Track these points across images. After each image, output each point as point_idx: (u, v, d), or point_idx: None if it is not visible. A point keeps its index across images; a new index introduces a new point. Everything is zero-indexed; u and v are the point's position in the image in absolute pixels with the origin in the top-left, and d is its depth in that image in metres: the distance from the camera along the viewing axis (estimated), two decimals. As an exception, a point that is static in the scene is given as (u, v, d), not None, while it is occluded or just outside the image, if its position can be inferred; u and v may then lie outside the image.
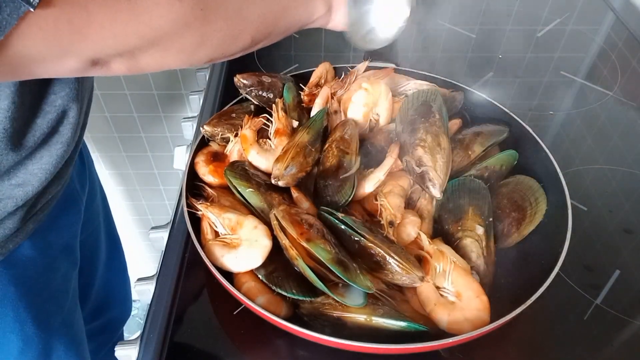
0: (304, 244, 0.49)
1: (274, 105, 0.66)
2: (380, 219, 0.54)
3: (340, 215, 0.52)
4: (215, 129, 0.65)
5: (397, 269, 0.49)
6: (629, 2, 1.07)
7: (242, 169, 0.59)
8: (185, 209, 0.57)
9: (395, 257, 0.49)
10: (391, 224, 0.53)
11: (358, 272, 0.48)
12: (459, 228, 0.55)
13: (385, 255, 0.49)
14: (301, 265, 0.49)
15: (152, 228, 0.68)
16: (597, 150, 0.76)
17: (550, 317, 0.56)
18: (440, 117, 0.59)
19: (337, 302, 0.50)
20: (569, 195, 0.58)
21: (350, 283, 0.47)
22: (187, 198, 0.58)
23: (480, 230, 0.55)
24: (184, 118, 0.85)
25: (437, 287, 0.51)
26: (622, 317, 0.57)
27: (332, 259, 0.48)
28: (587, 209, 0.67)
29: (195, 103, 0.91)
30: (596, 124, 0.81)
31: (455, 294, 0.50)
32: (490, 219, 0.56)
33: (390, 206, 0.55)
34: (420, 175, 0.56)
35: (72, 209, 0.72)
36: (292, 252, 0.49)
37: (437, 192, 0.56)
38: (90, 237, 0.86)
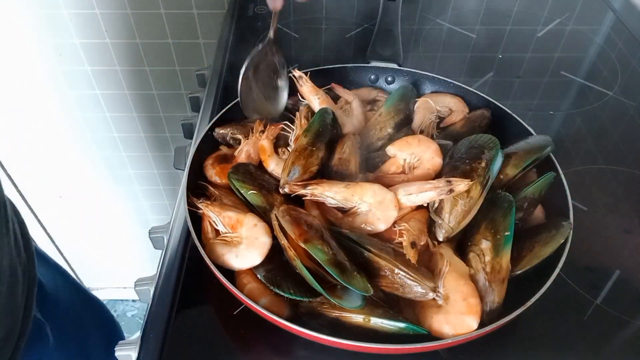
0: (302, 245, 0.49)
1: (297, 112, 0.67)
2: (402, 238, 0.52)
3: (344, 230, 0.52)
4: (226, 130, 0.66)
5: (407, 281, 0.49)
6: (629, 2, 1.07)
7: (246, 172, 0.60)
8: (186, 207, 0.57)
9: (403, 268, 0.49)
10: (413, 244, 0.52)
11: (356, 274, 0.48)
12: (469, 243, 0.54)
13: (394, 267, 0.49)
14: (299, 266, 0.49)
15: (152, 228, 0.68)
16: (597, 150, 0.76)
17: (550, 317, 0.56)
18: (485, 166, 0.56)
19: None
20: (569, 195, 0.58)
21: (347, 285, 0.47)
22: (188, 197, 0.58)
23: (484, 244, 0.53)
24: (184, 118, 0.85)
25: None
26: (622, 317, 0.57)
27: (329, 260, 0.48)
28: (587, 209, 0.67)
29: (195, 103, 0.91)
30: (596, 124, 0.81)
31: (444, 297, 0.49)
32: (507, 234, 0.53)
33: (414, 228, 0.53)
34: (434, 211, 0.56)
35: (37, 343, 0.68)
36: (291, 253, 0.49)
37: (440, 236, 0.55)
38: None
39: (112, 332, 0.98)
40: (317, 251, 0.48)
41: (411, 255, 0.50)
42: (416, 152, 0.60)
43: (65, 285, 0.84)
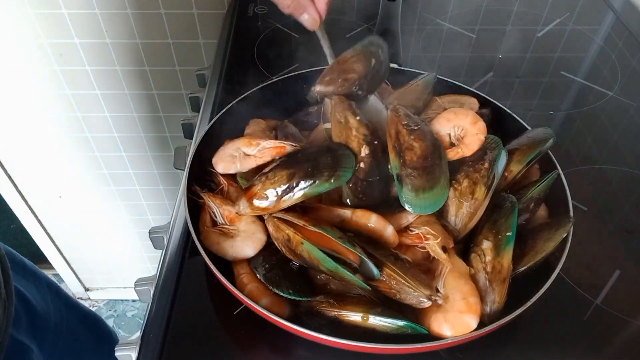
0: (312, 228, 0.49)
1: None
2: (427, 242, 0.52)
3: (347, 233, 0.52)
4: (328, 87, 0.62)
5: (404, 287, 0.48)
6: (629, 2, 1.07)
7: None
8: (185, 201, 0.57)
9: (401, 274, 0.48)
10: (444, 249, 0.51)
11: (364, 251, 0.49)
12: (471, 244, 0.55)
13: (391, 272, 0.49)
14: (307, 248, 0.49)
15: (152, 228, 0.68)
16: (597, 150, 0.76)
17: (550, 317, 0.56)
18: (489, 167, 0.56)
19: (335, 301, 0.50)
20: (569, 195, 0.58)
21: (363, 257, 0.47)
22: (190, 184, 0.58)
23: (485, 244, 0.53)
24: (184, 118, 0.85)
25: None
26: (622, 317, 0.57)
27: (341, 237, 0.48)
28: (587, 209, 0.67)
29: (195, 103, 0.91)
30: (596, 124, 0.81)
31: (444, 296, 0.49)
32: (509, 234, 0.53)
33: (434, 231, 0.53)
34: (439, 211, 0.56)
35: None
36: (297, 238, 0.49)
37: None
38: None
39: (111, 347, 0.96)
40: (328, 231, 0.48)
41: (444, 259, 0.50)
42: (458, 124, 0.61)
43: (56, 302, 0.82)
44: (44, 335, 0.74)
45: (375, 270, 0.48)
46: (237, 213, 0.55)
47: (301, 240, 0.49)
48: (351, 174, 0.53)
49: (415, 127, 0.57)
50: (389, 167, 0.56)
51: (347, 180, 0.53)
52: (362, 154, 0.55)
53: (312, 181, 0.52)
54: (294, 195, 0.52)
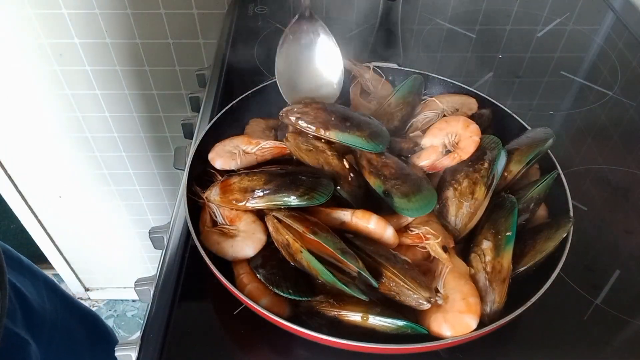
0: (311, 237, 0.49)
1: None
2: (427, 242, 0.52)
3: (347, 234, 0.52)
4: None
5: (404, 289, 0.48)
6: (629, 2, 1.07)
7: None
8: (185, 200, 0.57)
9: (400, 277, 0.48)
10: (444, 249, 0.51)
11: (363, 266, 0.48)
12: (471, 244, 0.55)
13: (391, 274, 0.49)
14: (306, 257, 0.49)
15: (152, 228, 0.68)
16: (597, 150, 0.76)
17: (550, 317, 0.56)
18: (488, 167, 0.56)
19: (335, 301, 0.50)
20: (569, 195, 0.58)
21: (360, 270, 0.47)
22: (190, 184, 0.58)
23: (485, 244, 0.53)
24: (184, 118, 0.85)
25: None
26: (622, 317, 0.57)
27: (341, 249, 0.48)
28: (587, 209, 0.67)
29: (195, 103, 0.91)
30: (596, 124, 0.81)
31: (444, 297, 0.49)
32: (508, 234, 0.53)
33: (434, 231, 0.53)
34: (439, 211, 0.56)
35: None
36: (297, 245, 0.49)
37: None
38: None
39: (110, 346, 0.96)
40: (327, 241, 0.48)
41: (445, 259, 0.50)
42: (450, 131, 0.61)
43: (53, 300, 0.82)
44: (40, 331, 0.74)
45: (373, 282, 0.48)
46: (206, 197, 0.57)
47: (300, 248, 0.49)
48: (323, 201, 0.53)
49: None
50: (374, 190, 0.56)
51: (318, 204, 0.53)
52: (347, 165, 0.57)
53: (285, 193, 0.53)
54: (261, 200, 0.54)
